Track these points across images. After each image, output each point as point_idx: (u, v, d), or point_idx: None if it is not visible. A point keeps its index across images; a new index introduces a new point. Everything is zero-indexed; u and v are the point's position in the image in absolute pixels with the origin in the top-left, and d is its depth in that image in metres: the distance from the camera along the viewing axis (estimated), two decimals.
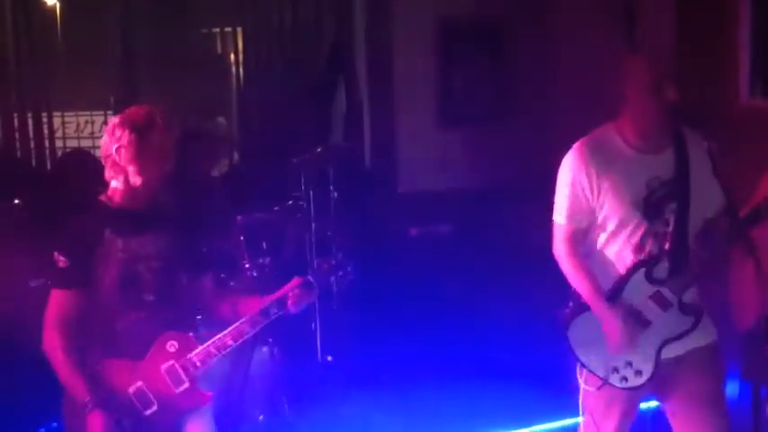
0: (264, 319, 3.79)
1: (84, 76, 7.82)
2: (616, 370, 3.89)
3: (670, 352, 3.87)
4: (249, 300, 3.90)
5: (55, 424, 5.17)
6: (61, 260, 3.70)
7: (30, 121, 7.41)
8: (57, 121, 7.86)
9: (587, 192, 3.87)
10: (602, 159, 3.87)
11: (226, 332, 3.75)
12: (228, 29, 8.33)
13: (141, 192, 3.76)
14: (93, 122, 8.26)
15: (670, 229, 3.84)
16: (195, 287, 3.90)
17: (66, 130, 8.10)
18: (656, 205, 3.85)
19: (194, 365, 3.73)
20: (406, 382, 6.02)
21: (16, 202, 6.17)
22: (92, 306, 3.73)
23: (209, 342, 3.75)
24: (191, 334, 3.78)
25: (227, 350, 3.77)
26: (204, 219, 4.30)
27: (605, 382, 3.91)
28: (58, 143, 7.85)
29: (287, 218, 6.11)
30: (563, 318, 3.97)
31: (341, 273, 4.02)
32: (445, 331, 6.48)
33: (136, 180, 3.73)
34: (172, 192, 3.96)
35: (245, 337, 3.79)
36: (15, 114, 7.37)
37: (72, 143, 8.09)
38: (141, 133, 3.70)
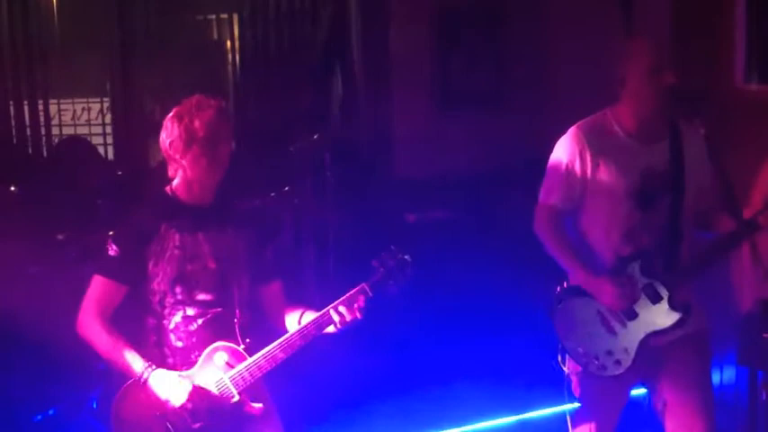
0: (317, 332, 3.65)
1: (81, 63, 7.78)
2: (596, 358, 3.90)
3: (655, 341, 3.88)
4: (313, 313, 3.73)
5: (52, 411, 5.18)
6: (113, 248, 3.66)
7: (26, 109, 7.40)
8: (53, 109, 7.83)
9: (579, 176, 3.86)
10: (597, 145, 3.87)
11: (276, 345, 3.65)
12: (225, 15, 8.30)
13: (201, 187, 3.68)
14: (89, 109, 8.21)
15: (664, 221, 3.84)
16: (259, 293, 3.81)
17: (63, 118, 8.07)
18: (651, 196, 3.84)
19: (243, 379, 3.65)
20: (404, 369, 6.03)
21: (12, 189, 6.17)
22: (143, 299, 3.69)
23: (260, 355, 3.65)
24: (241, 345, 3.67)
25: (278, 363, 3.65)
26: (269, 221, 4.04)
27: (584, 368, 3.92)
28: (55, 130, 7.83)
29: (283, 204, 6.11)
30: (549, 302, 3.99)
31: (401, 276, 3.69)
32: (444, 317, 6.48)
33: (192, 173, 3.64)
34: (239, 190, 3.83)
35: (296, 349, 3.65)
36: (11, 102, 7.36)
37: (68, 130, 8.06)
38: (189, 123, 3.60)
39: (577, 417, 4.13)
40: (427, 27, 8.05)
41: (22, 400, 5.21)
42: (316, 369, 5.94)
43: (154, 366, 3.62)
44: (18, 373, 5.22)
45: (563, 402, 4.15)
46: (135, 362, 3.62)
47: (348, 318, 3.62)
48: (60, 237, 5.77)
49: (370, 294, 3.66)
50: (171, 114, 3.67)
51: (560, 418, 4.74)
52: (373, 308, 3.66)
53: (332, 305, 3.65)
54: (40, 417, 5.21)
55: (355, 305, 3.63)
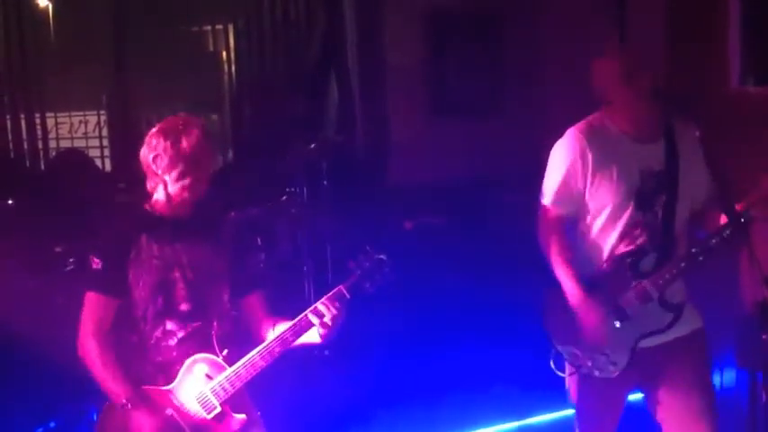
0: (294, 337, 3.68)
1: (78, 76, 7.80)
2: (590, 359, 3.89)
3: (650, 342, 3.87)
4: (287, 322, 3.77)
5: (53, 424, 5.17)
6: (95, 262, 3.68)
7: (23, 122, 7.41)
8: (50, 122, 7.84)
9: (581, 177, 3.85)
10: (599, 146, 3.86)
11: (255, 353, 3.68)
12: (220, 26, 8.32)
13: (182, 201, 3.71)
14: (86, 122, 8.24)
15: (659, 221, 3.84)
16: (239, 305, 3.84)
17: (60, 131, 8.08)
18: (648, 196, 3.84)
19: (224, 389, 3.67)
20: (403, 376, 6.03)
21: (10, 202, 6.17)
22: (126, 314, 3.70)
23: (239, 365, 3.67)
24: (220, 356, 3.70)
25: (258, 372, 3.68)
26: (246, 233, 4.07)
27: (578, 370, 3.91)
28: (52, 143, 7.83)
29: (281, 213, 6.10)
30: (540, 305, 3.98)
31: (378, 276, 3.76)
32: (441, 322, 6.48)
33: (174, 189, 3.68)
34: (217, 204, 3.89)
35: (277, 356, 3.69)
36: (9, 115, 7.36)
37: (66, 143, 8.07)
38: (176, 140, 3.65)
39: (577, 422, 4.12)
40: (421, 34, 8.06)
41: (22, 412, 5.20)
42: (315, 379, 5.95)
43: (129, 406, 3.62)
44: (18, 386, 5.21)
45: (563, 408, 4.14)
46: (116, 395, 3.64)
47: (328, 317, 3.65)
48: (58, 249, 5.76)
49: (348, 296, 3.71)
50: (155, 130, 3.72)
51: (560, 423, 4.75)
52: (370, 314, 3.67)
53: (309, 309, 3.69)
54: (40, 429, 5.21)
55: (334, 307, 3.68)
